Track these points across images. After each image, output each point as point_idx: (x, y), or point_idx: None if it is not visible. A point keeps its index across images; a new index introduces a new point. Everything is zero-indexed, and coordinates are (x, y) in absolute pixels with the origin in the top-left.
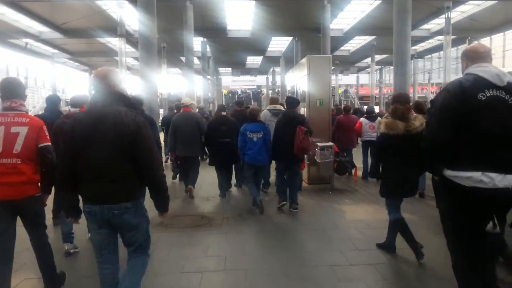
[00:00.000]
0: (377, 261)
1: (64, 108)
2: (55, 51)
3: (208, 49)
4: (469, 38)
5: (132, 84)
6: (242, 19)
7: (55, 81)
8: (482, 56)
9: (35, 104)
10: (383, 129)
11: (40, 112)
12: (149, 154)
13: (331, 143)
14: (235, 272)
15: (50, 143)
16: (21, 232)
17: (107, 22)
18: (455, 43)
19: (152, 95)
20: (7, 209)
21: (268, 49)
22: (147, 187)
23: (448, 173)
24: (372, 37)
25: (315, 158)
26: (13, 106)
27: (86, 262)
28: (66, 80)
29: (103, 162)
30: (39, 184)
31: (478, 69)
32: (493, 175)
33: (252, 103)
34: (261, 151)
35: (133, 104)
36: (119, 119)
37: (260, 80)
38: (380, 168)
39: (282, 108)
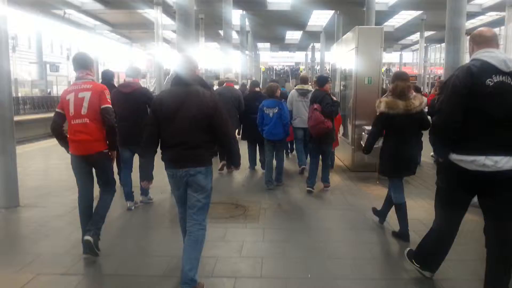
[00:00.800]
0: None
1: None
2: (97, 22)
3: (247, 23)
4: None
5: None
6: None
7: (97, 53)
8: (488, 40)
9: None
10: (383, 108)
11: None
12: (226, 126)
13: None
14: (272, 281)
15: (110, 105)
16: (38, 217)
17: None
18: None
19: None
20: (83, 162)
21: (309, 23)
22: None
23: (454, 156)
24: (419, 12)
25: (361, 142)
26: (81, 75)
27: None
28: (107, 52)
29: (186, 131)
30: (106, 141)
31: (485, 55)
32: (497, 158)
33: (291, 80)
34: (277, 126)
35: (207, 84)
36: (200, 97)
37: (299, 56)
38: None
39: (310, 87)
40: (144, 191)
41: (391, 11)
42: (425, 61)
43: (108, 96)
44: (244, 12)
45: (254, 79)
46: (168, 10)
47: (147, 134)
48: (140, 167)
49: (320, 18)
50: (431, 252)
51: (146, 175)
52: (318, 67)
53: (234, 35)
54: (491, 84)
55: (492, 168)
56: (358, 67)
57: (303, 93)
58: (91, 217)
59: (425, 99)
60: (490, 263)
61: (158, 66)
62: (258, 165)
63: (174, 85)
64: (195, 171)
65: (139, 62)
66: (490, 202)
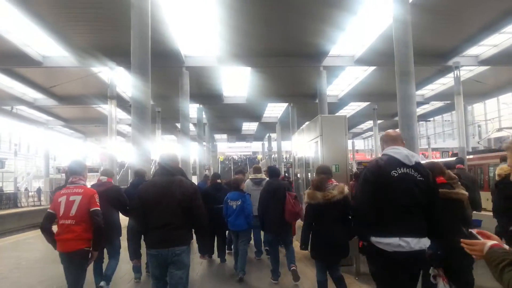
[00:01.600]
0: None
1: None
2: (50, 118)
3: (204, 116)
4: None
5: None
6: (238, 86)
7: (49, 148)
8: (393, 139)
9: (28, 171)
10: (306, 199)
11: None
12: (201, 209)
13: None
14: None
15: (98, 208)
16: None
17: (101, 88)
18: (451, 108)
19: (145, 161)
20: (67, 259)
21: (264, 115)
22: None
23: (373, 239)
24: (367, 103)
25: None
26: (74, 180)
27: None
28: (60, 147)
29: (171, 214)
30: (89, 240)
31: (392, 151)
32: (409, 239)
33: (249, 169)
34: (238, 217)
35: (185, 175)
36: (183, 184)
37: (255, 146)
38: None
39: (264, 176)
40: (136, 269)
41: (341, 103)
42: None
43: (97, 200)
44: (201, 105)
45: (211, 170)
46: (124, 105)
47: (132, 221)
48: (129, 248)
49: (275, 110)
50: None
51: (135, 254)
52: (274, 156)
53: (191, 127)
54: (395, 175)
55: (406, 248)
56: (325, 155)
57: (257, 182)
58: None
59: (346, 188)
60: None
61: (111, 159)
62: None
63: (159, 175)
64: (180, 250)
65: (93, 156)
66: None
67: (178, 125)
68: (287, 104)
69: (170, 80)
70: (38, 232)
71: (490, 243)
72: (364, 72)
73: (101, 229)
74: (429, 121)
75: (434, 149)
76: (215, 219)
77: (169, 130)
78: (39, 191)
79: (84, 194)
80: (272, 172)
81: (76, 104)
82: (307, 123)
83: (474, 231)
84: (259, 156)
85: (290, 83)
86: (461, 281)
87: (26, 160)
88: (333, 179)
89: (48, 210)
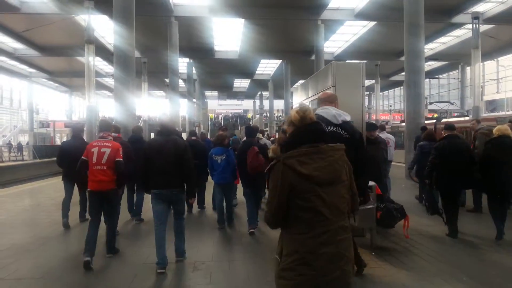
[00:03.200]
0: None
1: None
2: (32, 70)
3: (194, 71)
4: (461, 63)
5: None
6: (230, 40)
7: (33, 101)
8: (324, 100)
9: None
10: (270, 154)
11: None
12: (190, 161)
13: (372, 183)
14: None
15: (121, 159)
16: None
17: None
18: (447, 69)
19: (128, 116)
20: (97, 196)
21: (256, 72)
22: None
23: None
24: (364, 61)
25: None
26: (104, 135)
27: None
28: (44, 101)
29: (168, 164)
30: (115, 182)
31: (321, 111)
32: None
33: (239, 128)
34: (225, 171)
35: (180, 135)
36: (177, 142)
37: (247, 104)
38: None
39: (261, 136)
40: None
41: (337, 61)
42: (369, 108)
43: (121, 153)
44: (191, 60)
45: (201, 127)
46: (109, 57)
47: (141, 168)
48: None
49: (268, 66)
50: None
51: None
52: (266, 114)
53: (181, 83)
54: None
55: None
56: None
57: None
58: (96, 240)
59: None
60: None
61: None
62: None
63: (159, 135)
64: (177, 190)
65: (78, 110)
66: None
67: (167, 80)
68: (280, 61)
69: (158, 31)
70: (21, 188)
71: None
72: (363, 28)
73: (123, 174)
74: (437, 78)
75: (431, 111)
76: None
77: (157, 85)
78: (20, 146)
79: (112, 147)
80: (248, 132)
81: (58, 55)
82: (315, 73)
83: None
84: (249, 114)
85: (285, 38)
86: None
87: (11, 114)
88: None
89: (82, 157)
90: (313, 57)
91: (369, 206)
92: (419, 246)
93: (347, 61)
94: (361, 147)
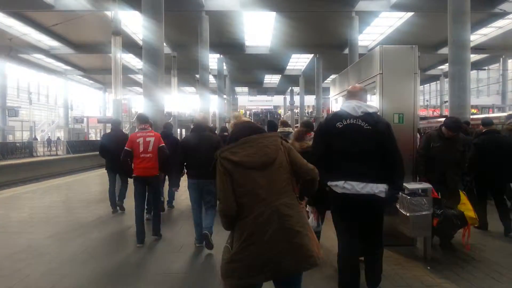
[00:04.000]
0: None
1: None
2: (68, 67)
3: (225, 67)
4: (503, 56)
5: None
6: (261, 34)
7: (68, 98)
8: (352, 94)
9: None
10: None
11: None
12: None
13: (427, 185)
14: None
15: (164, 145)
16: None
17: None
18: (487, 62)
19: (156, 112)
20: (143, 182)
21: (287, 67)
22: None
23: (329, 183)
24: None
25: (398, 207)
26: (145, 127)
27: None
28: (79, 97)
29: (204, 158)
30: (159, 168)
31: (344, 105)
32: (354, 183)
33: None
34: None
35: (213, 130)
36: (211, 137)
37: (277, 100)
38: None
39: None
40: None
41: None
42: None
43: (162, 140)
44: (221, 56)
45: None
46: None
47: (179, 162)
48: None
49: (299, 62)
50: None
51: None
52: (297, 110)
53: (211, 79)
54: (340, 126)
55: (352, 190)
56: (384, 102)
57: (284, 135)
58: (143, 221)
59: None
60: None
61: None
62: None
63: (195, 131)
64: (209, 182)
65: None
66: (361, 229)
67: (198, 76)
68: (312, 56)
69: (188, 26)
70: (51, 182)
71: None
72: (399, 20)
73: (168, 159)
74: (484, 69)
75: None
76: None
77: (188, 81)
78: (49, 141)
79: (155, 136)
80: (270, 126)
81: (92, 52)
82: (356, 61)
83: None
84: (280, 110)
85: (317, 31)
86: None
87: (48, 110)
88: (312, 132)
89: (125, 148)
90: (345, 51)
91: (423, 212)
92: (483, 260)
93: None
94: (387, 140)
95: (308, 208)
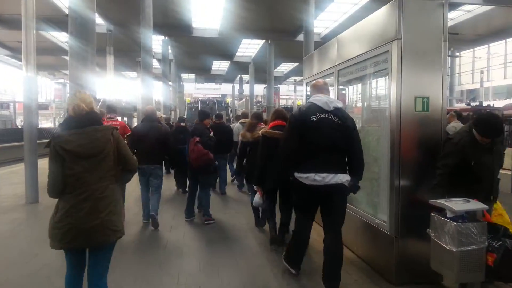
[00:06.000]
0: None
1: None
2: None
3: (170, 51)
4: (451, 49)
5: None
6: (210, 15)
7: None
8: (319, 88)
9: None
10: (240, 138)
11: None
12: (168, 144)
13: (480, 205)
14: None
15: (129, 133)
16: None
17: (53, 11)
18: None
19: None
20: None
21: (237, 53)
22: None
23: (296, 174)
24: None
25: (433, 237)
26: (112, 116)
27: None
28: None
29: (151, 146)
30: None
31: (314, 98)
32: (323, 175)
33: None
34: None
35: (160, 122)
36: (158, 127)
37: (225, 89)
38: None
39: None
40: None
41: (323, 43)
42: None
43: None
44: (166, 38)
45: (177, 112)
46: None
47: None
48: None
49: (249, 48)
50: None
51: None
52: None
53: (155, 63)
54: (314, 119)
55: (321, 182)
56: (404, 82)
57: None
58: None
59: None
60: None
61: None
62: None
63: (145, 121)
64: (156, 167)
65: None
66: (326, 212)
67: (139, 59)
68: (262, 42)
69: (128, 2)
70: None
71: None
72: (354, 6)
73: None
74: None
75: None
76: (180, 157)
77: (127, 65)
78: None
79: (120, 125)
80: (201, 115)
81: (18, 29)
82: (359, 22)
83: None
84: (228, 99)
85: (270, 15)
86: None
87: None
88: (262, 123)
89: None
90: (298, 38)
91: (472, 246)
92: None
93: None
94: (352, 135)
95: (255, 188)
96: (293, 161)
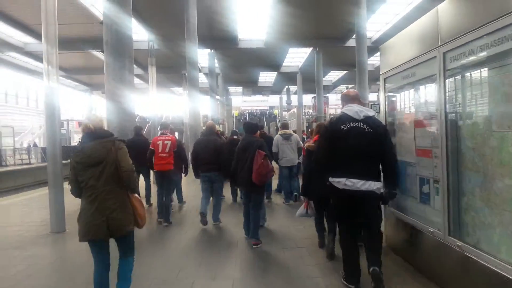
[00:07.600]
0: None
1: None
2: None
3: (216, 64)
4: None
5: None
6: (256, 25)
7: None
8: (350, 98)
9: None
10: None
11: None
12: (224, 155)
13: None
14: None
15: (177, 149)
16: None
17: (98, 30)
18: None
19: (123, 116)
20: (161, 176)
21: (283, 64)
22: None
23: (330, 179)
24: None
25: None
26: (164, 132)
27: None
28: (64, 100)
29: (210, 156)
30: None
31: (346, 109)
32: (354, 180)
33: (265, 126)
34: None
35: (219, 135)
36: (215, 140)
37: (272, 100)
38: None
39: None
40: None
41: (374, 47)
42: None
43: (177, 143)
44: (212, 51)
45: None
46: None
47: (191, 159)
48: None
49: (296, 57)
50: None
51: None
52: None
53: (202, 78)
54: (344, 129)
55: (352, 187)
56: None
57: (286, 137)
58: (163, 208)
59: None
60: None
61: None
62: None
63: (204, 135)
64: (217, 174)
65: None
66: (360, 217)
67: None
68: (310, 51)
69: (172, 14)
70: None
71: None
72: (408, 6)
73: (180, 159)
74: None
75: None
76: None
77: (175, 81)
78: (29, 148)
79: (172, 140)
80: (247, 128)
81: (73, 49)
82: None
83: None
84: (276, 111)
85: (317, 20)
86: None
87: (28, 115)
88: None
89: (150, 148)
90: (347, 44)
91: None
92: None
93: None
94: (385, 142)
95: (302, 198)
96: (327, 168)
